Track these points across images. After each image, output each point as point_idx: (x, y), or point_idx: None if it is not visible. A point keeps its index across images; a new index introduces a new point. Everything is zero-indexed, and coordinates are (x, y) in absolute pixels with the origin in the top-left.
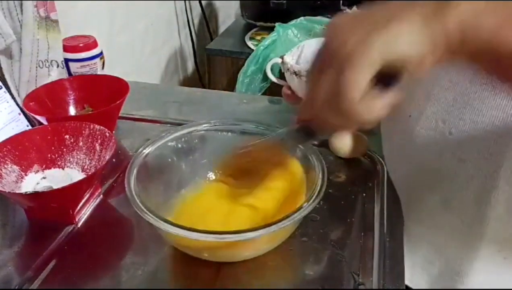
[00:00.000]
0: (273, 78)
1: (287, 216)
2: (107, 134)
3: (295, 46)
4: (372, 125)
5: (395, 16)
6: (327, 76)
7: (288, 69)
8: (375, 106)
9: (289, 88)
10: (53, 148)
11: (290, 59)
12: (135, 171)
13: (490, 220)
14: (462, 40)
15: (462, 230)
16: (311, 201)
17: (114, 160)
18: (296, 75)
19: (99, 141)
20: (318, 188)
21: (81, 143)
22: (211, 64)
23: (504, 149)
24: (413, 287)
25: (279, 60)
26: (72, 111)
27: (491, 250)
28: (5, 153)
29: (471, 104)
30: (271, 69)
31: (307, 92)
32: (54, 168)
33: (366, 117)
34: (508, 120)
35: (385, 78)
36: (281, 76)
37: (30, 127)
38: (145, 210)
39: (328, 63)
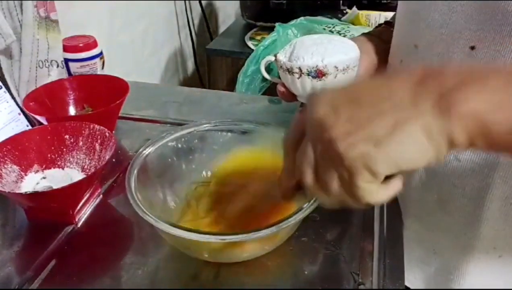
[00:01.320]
0: (267, 76)
1: (288, 217)
2: (107, 134)
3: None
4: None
5: (397, 125)
6: (331, 179)
7: (281, 67)
8: (383, 196)
9: (283, 85)
10: (53, 148)
11: (282, 56)
12: (135, 172)
13: (486, 219)
14: (471, 141)
15: (458, 229)
16: (311, 201)
17: (114, 160)
18: (288, 72)
19: (99, 141)
20: None
21: (81, 143)
22: (211, 64)
23: None
24: (410, 287)
25: (273, 58)
26: (72, 111)
27: (486, 249)
28: (5, 153)
29: None
30: (272, 68)
31: (286, 163)
32: (54, 168)
33: (373, 203)
34: None
35: None
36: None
37: (30, 127)
38: (145, 211)
39: (326, 162)
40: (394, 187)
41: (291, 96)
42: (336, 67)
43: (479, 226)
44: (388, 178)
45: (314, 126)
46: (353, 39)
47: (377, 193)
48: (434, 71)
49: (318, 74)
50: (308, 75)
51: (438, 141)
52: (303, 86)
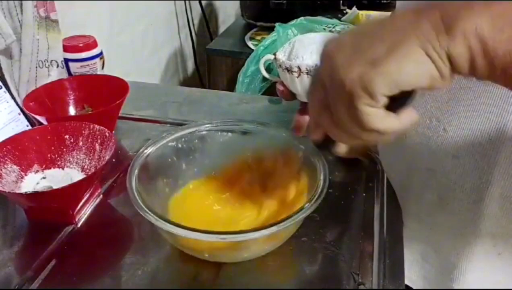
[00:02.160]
0: (266, 75)
1: (288, 217)
2: (107, 134)
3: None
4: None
5: (395, 44)
6: (338, 109)
7: (280, 65)
8: (393, 124)
9: (283, 84)
10: (53, 148)
11: (282, 55)
12: (136, 171)
13: (485, 217)
14: (473, 59)
15: (457, 227)
16: (312, 202)
17: (114, 160)
18: (288, 71)
19: (99, 141)
20: (320, 189)
21: (81, 143)
22: (211, 64)
23: (498, 145)
24: (410, 285)
25: (272, 57)
26: (72, 111)
27: (486, 246)
28: (5, 153)
29: (465, 101)
30: (272, 68)
31: (314, 115)
32: (54, 168)
33: (382, 130)
34: (503, 116)
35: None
36: None
37: (30, 127)
38: (146, 209)
39: (332, 92)
40: (406, 117)
41: (291, 95)
42: None
43: (478, 223)
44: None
45: (322, 64)
46: None
47: (383, 119)
48: (436, 2)
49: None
50: (307, 74)
51: (438, 57)
52: (302, 85)
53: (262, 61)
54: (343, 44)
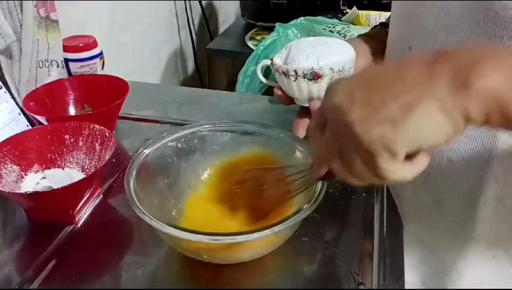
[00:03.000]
0: (263, 79)
1: (286, 218)
2: (107, 134)
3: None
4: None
5: (412, 104)
6: (354, 161)
7: (277, 70)
8: (410, 172)
9: (280, 88)
10: (53, 148)
11: (278, 60)
12: (134, 172)
13: (479, 220)
14: (488, 115)
15: (453, 230)
16: (311, 203)
17: (114, 160)
18: (284, 75)
19: (99, 141)
20: (318, 190)
21: (81, 143)
22: (211, 64)
23: (492, 148)
24: (407, 287)
25: (269, 62)
26: (72, 111)
27: (480, 249)
28: (5, 153)
29: None
30: (270, 72)
31: (321, 158)
32: (54, 168)
33: (401, 181)
34: None
35: None
36: None
37: (30, 127)
38: (142, 210)
39: (348, 147)
40: (421, 163)
41: (288, 100)
42: (331, 69)
43: (473, 226)
44: (413, 155)
45: (332, 113)
46: (348, 41)
47: (401, 171)
48: (446, 51)
49: (314, 76)
50: (304, 77)
51: (454, 116)
52: (299, 89)
53: (259, 66)
54: (354, 97)
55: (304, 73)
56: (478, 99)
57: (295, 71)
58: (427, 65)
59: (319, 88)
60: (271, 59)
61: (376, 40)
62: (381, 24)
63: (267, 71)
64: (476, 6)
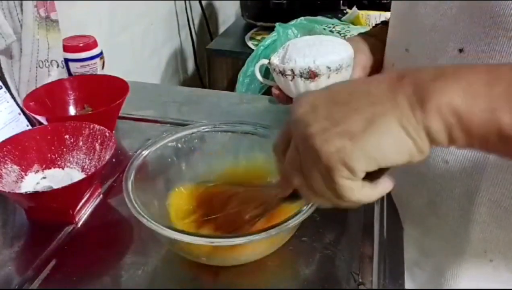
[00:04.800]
0: (260, 79)
1: (285, 221)
2: (107, 134)
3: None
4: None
5: (373, 119)
6: (313, 177)
7: (274, 69)
8: (370, 195)
9: (278, 88)
10: (53, 148)
11: (276, 59)
12: (133, 172)
13: (474, 222)
14: (450, 132)
15: (448, 232)
16: (310, 205)
17: (114, 160)
18: (282, 74)
19: (99, 141)
20: None
21: (81, 143)
22: (211, 64)
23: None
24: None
25: (266, 62)
26: (72, 111)
27: (477, 252)
28: (5, 153)
29: None
30: (269, 72)
31: (284, 173)
32: (54, 168)
33: (358, 202)
34: None
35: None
36: None
37: (30, 127)
38: (139, 211)
39: (307, 160)
40: (383, 187)
41: (286, 99)
42: (328, 67)
43: (469, 229)
44: (377, 177)
45: (295, 126)
46: (348, 39)
47: (360, 191)
48: (411, 69)
49: (311, 75)
50: (301, 76)
51: (416, 134)
52: (296, 87)
53: (257, 66)
54: (316, 110)
55: (301, 72)
56: (438, 115)
57: (292, 70)
58: (393, 81)
59: (316, 87)
60: (269, 59)
61: (377, 38)
62: (382, 22)
63: (267, 71)
64: (472, 6)
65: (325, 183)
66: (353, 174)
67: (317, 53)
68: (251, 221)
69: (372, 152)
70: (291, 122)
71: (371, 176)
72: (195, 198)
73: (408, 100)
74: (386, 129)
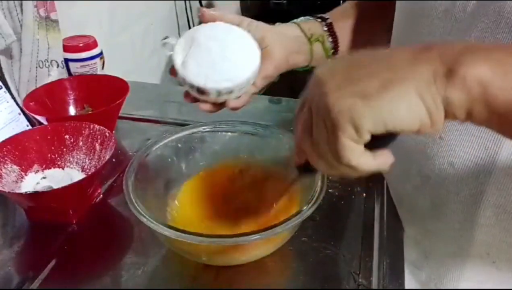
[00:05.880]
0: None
1: (286, 220)
2: (107, 134)
3: None
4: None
5: (391, 82)
6: (320, 134)
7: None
8: (368, 163)
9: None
10: (53, 148)
11: (179, 51)
12: (134, 172)
13: (479, 225)
14: (471, 105)
15: (451, 235)
16: (310, 204)
17: (114, 160)
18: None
19: (99, 141)
20: (318, 191)
21: (81, 143)
22: None
23: (493, 155)
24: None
25: (174, 41)
26: (72, 111)
27: (480, 255)
28: (5, 153)
29: None
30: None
31: (297, 136)
32: (54, 168)
33: (355, 167)
34: None
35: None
36: None
37: (30, 127)
38: (140, 210)
39: (317, 115)
40: (383, 159)
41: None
42: (218, 91)
43: (472, 232)
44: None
45: (312, 86)
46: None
47: (360, 156)
48: (436, 43)
49: (200, 91)
50: (191, 88)
51: (433, 102)
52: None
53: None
54: (335, 71)
55: (191, 86)
56: (463, 87)
57: (184, 79)
58: (416, 52)
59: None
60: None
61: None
62: (319, 16)
63: None
64: (485, 11)
65: (329, 142)
66: (358, 134)
67: (213, 68)
68: (272, 202)
69: (383, 113)
70: (309, 85)
71: (374, 146)
72: (203, 189)
73: (432, 70)
74: (401, 93)
